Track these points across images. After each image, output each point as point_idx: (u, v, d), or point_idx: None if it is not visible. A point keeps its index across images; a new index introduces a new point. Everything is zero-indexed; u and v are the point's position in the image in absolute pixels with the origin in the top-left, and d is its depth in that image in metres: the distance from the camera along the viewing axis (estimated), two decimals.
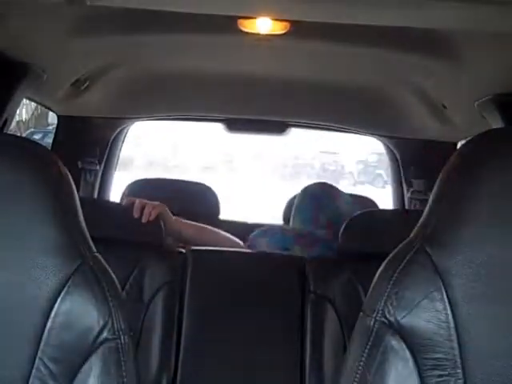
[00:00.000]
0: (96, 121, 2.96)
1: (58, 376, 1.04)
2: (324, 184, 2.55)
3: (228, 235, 2.42)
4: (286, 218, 3.02)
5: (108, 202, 3.00)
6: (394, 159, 3.21)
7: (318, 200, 2.44)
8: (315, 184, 2.55)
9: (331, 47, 2.00)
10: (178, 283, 2.14)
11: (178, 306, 2.13)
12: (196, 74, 2.49)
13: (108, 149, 3.11)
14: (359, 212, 2.22)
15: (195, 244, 2.30)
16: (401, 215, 2.42)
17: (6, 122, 1.93)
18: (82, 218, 1.11)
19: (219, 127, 3.09)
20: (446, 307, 1.00)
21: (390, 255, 1.07)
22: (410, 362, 1.00)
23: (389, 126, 2.94)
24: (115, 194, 3.24)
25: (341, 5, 1.33)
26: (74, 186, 1.11)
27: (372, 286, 1.06)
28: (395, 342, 1.01)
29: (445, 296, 1.00)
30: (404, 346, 1.01)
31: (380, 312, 1.02)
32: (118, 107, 2.86)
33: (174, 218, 2.27)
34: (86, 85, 2.38)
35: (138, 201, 2.17)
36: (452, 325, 1.00)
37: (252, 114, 2.94)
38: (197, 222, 2.48)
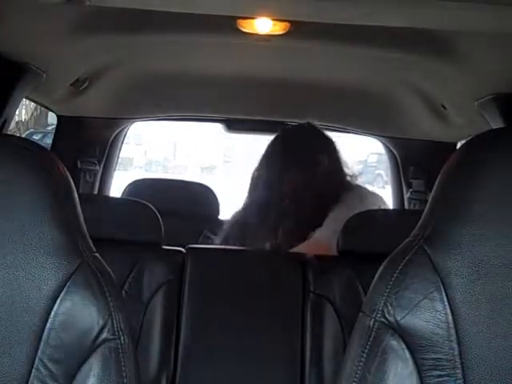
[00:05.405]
0: (96, 121, 2.96)
1: (57, 376, 1.04)
2: None
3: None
4: None
5: (107, 197, 2.99)
6: (393, 159, 3.20)
7: None
8: None
9: (331, 47, 2.00)
10: (177, 282, 2.14)
11: (178, 305, 2.13)
12: (196, 74, 2.49)
13: (107, 149, 3.11)
14: (359, 212, 2.21)
15: None
16: (401, 215, 2.42)
17: (5, 123, 1.93)
18: (81, 218, 1.11)
19: (219, 127, 3.10)
20: (445, 307, 1.00)
21: (390, 255, 1.07)
22: (410, 362, 1.00)
23: (388, 126, 2.94)
24: (115, 194, 3.24)
25: (341, 5, 1.33)
26: (73, 186, 1.11)
27: (372, 285, 1.06)
28: (395, 342, 1.01)
29: (444, 296, 1.00)
30: (403, 346, 1.01)
31: (379, 312, 1.02)
32: (118, 107, 2.86)
33: None
34: (85, 85, 2.38)
35: None
36: (451, 325, 1.00)
37: (252, 113, 2.94)
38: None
